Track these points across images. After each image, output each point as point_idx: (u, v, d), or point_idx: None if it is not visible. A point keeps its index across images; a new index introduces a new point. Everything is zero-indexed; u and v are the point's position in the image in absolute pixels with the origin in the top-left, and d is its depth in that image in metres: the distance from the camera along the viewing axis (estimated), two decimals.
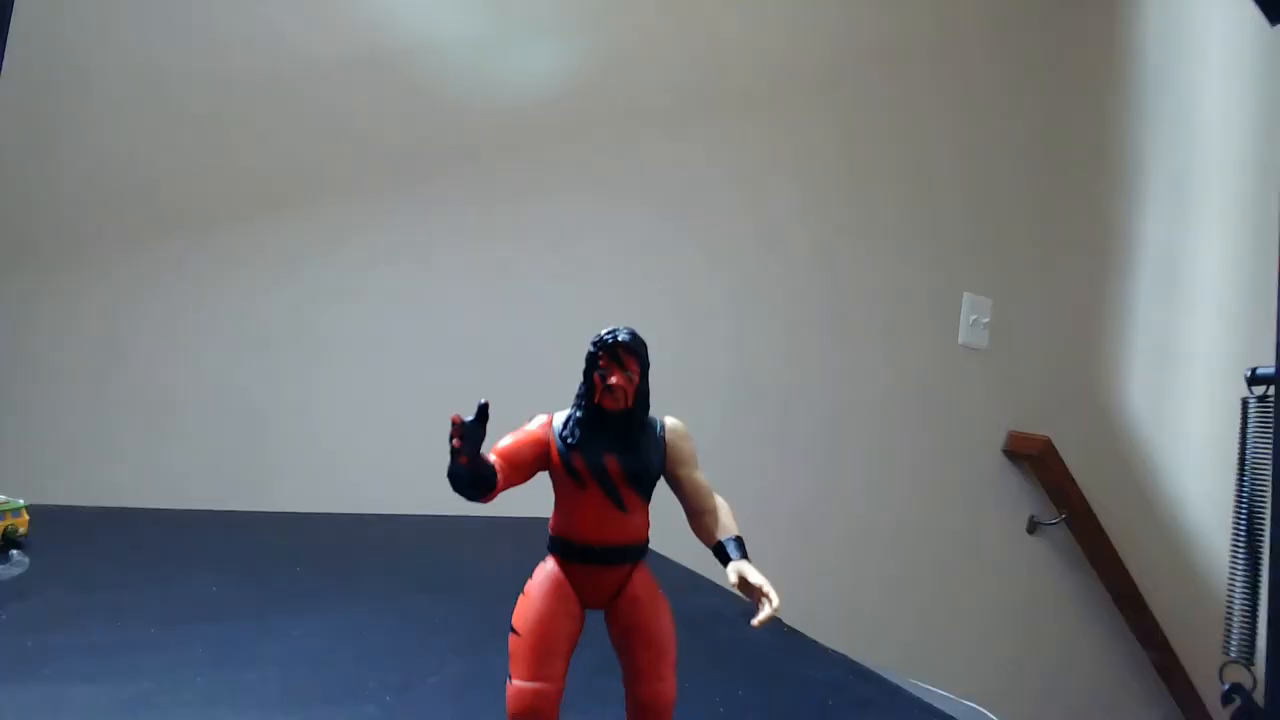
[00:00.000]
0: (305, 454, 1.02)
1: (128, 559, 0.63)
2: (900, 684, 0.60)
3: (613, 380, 0.31)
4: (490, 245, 1.15)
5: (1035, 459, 1.65)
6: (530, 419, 0.33)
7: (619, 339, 0.31)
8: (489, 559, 0.77)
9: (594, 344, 0.32)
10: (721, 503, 0.34)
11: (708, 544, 0.33)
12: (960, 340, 1.62)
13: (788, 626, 0.65)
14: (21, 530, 0.61)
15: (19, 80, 0.77)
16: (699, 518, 0.34)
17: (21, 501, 0.62)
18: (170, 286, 0.96)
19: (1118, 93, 1.89)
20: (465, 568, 0.74)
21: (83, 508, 0.75)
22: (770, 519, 1.36)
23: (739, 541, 0.33)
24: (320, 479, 1.02)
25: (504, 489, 0.31)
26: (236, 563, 0.65)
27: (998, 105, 1.69)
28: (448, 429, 0.27)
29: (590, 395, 0.32)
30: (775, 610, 0.30)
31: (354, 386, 1.05)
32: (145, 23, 0.92)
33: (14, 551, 0.58)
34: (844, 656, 0.60)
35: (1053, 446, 1.64)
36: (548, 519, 0.34)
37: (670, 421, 0.34)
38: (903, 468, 1.55)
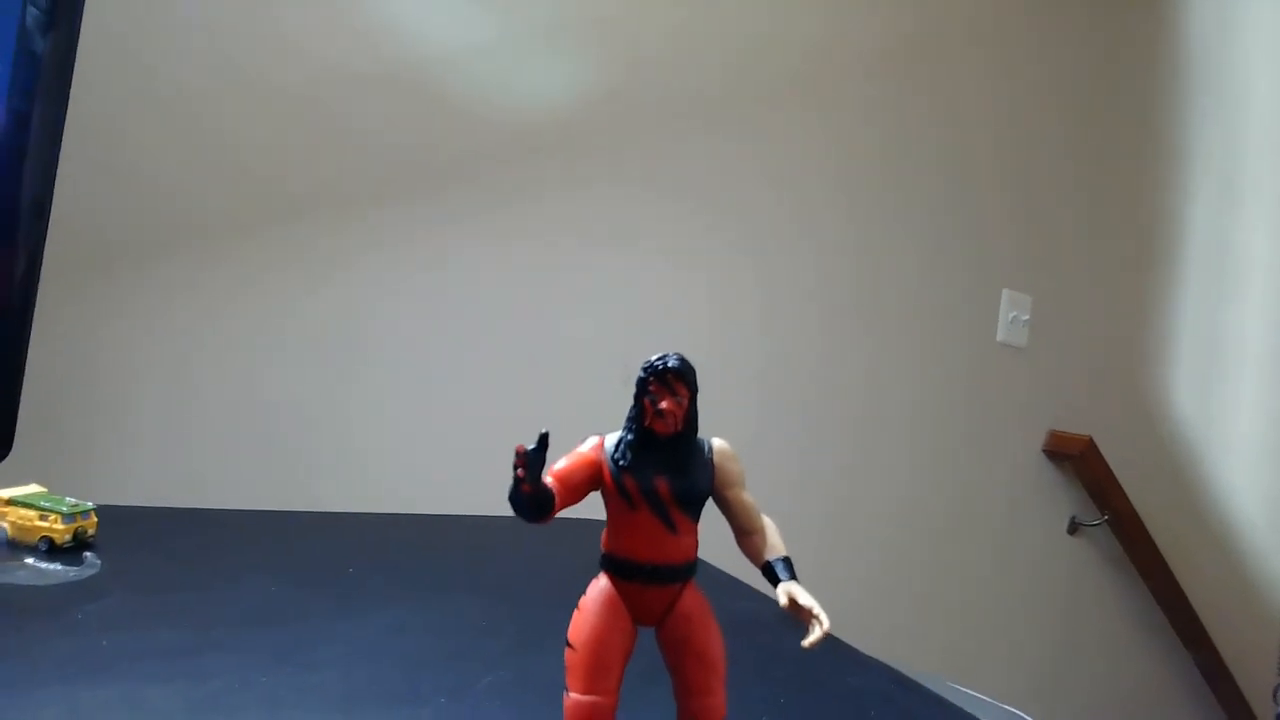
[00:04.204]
0: (351, 455, 1.05)
1: (189, 559, 0.66)
2: (941, 694, 0.61)
3: (663, 405, 0.32)
4: (526, 245, 1.16)
5: (1077, 459, 1.62)
6: (582, 441, 0.34)
7: (669, 365, 0.32)
8: (533, 561, 0.79)
9: (644, 370, 0.33)
10: (769, 522, 0.35)
11: (756, 564, 0.34)
12: (999, 338, 1.60)
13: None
14: (90, 532, 0.64)
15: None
16: (747, 537, 0.35)
17: (91, 504, 0.65)
18: (210, 293, 0.99)
19: (1164, 82, 1.84)
20: (510, 570, 0.76)
21: (142, 508, 0.78)
22: (803, 518, 1.36)
23: (787, 562, 0.33)
24: (365, 480, 1.05)
25: (560, 510, 0.32)
26: (291, 563, 0.68)
27: (1040, 96, 1.65)
28: (511, 457, 0.28)
29: (641, 419, 0.33)
30: (826, 632, 0.30)
31: (397, 389, 1.08)
32: (176, 44, 0.95)
33: (87, 553, 0.61)
34: (885, 665, 0.60)
35: (1095, 446, 1.61)
36: (588, 520, 0.35)
37: (718, 443, 0.35)
38: (939, 467, 1.53)
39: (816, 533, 1.39)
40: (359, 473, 1.05)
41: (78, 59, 0.85)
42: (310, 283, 1.03)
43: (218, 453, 0.98)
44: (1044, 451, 1.65)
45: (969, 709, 0.71)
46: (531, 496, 0.30)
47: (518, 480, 0.29)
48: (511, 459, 0.28)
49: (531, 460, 0.29)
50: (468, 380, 1.12)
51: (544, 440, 0.29)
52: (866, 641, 0.67)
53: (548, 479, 0.32)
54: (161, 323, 0.96)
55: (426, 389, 1.09)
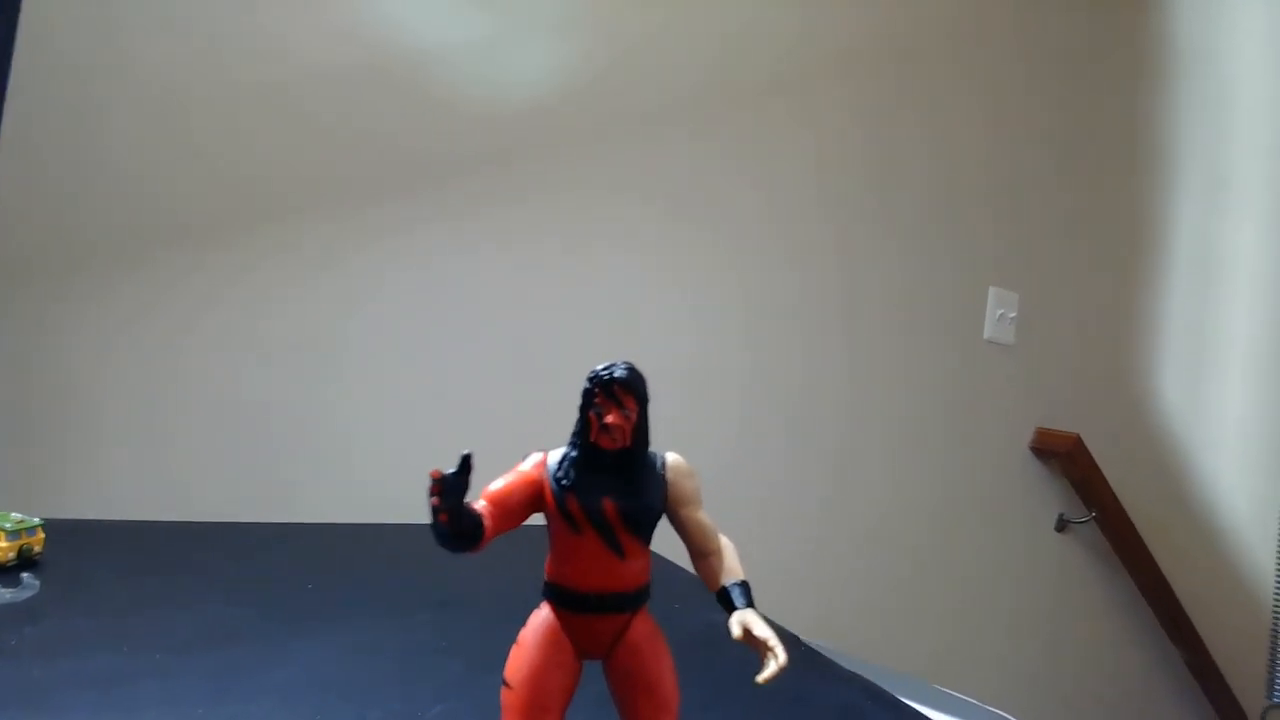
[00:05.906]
0: (321, 463, 1.02)
1: (140, 576, 0.63)
2: (925, 697, 0.59)
3: (609, 419, 0.29)
4: (504, 249, 1.13)
5: (1064, 456, 1.61)
6: (524, 458, 0.32)
7: (615, 376, 0.30)
8: (504, 569, 0.76)
9: (589, 380, 0.30)
10: (727, 543, 0.33)
11: (711, 588, 0.32)
12: (986, 336, 1.58)
13: (803, 643, 0.63)
14: (37, 549, 0.61)
15: (27, 92, 0.78)
16: (703, 560, 0.32)
17: (38, 520, 0.62)
18: (187, 296, 0.96)
19: (1151, 78, 1.83)
20: (479, 579, 0.73)
21: (98, 521, 0.75)
22: (789, 518, 1.34)
23: (745, 587, 0.31)
24: (336, 488, 1.02)
25: (494, 537, 0.29)
26: (248, 579, 0.65)
27: (1026, 93, 1.63)
28: (428, 483, 0.26)
29: (586, 434, 0.30)
30: (781, 667, 0.28)
31: (376, 395, 1.05)
32: (154, 37, 0.92)
33: (25, 575, 0.58)
34: (860, 677, 0.58)
35: (1082, 443, 1.60)
36: None
37: (672, 458, 0.32)
38: (926, 466, 1.51)
39: (803, 532, 1.36)
40: (334, 481, 1.02)
41: (58, 56, 0.82)
42: (279, 289, 1.00)
43: (184, 464, 0.95)
44: (1031, 449, 1.63)
45: (953, 711, 0.69)
46: (450, 526, 0.27)
47: (434, 509, 0.26)
48: (428, 484, 0.26)
49: (449, 487, 0.26)
50: (448, 386, 1.09)
51: (466, 463, 0.26)
52: (852, 642, 0.65)
53: (480, 502, 0.29)
54: (132, 328, 0.93)
55: (406, 395, 1.07)
